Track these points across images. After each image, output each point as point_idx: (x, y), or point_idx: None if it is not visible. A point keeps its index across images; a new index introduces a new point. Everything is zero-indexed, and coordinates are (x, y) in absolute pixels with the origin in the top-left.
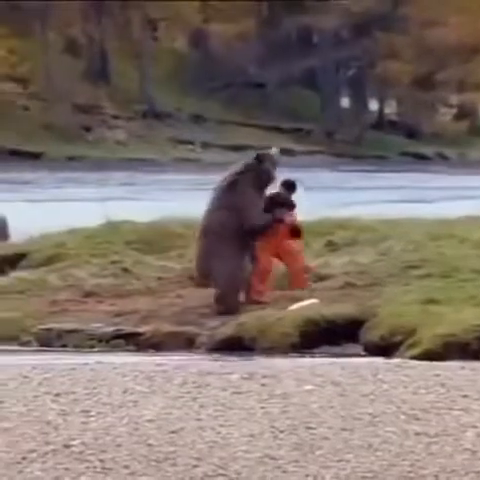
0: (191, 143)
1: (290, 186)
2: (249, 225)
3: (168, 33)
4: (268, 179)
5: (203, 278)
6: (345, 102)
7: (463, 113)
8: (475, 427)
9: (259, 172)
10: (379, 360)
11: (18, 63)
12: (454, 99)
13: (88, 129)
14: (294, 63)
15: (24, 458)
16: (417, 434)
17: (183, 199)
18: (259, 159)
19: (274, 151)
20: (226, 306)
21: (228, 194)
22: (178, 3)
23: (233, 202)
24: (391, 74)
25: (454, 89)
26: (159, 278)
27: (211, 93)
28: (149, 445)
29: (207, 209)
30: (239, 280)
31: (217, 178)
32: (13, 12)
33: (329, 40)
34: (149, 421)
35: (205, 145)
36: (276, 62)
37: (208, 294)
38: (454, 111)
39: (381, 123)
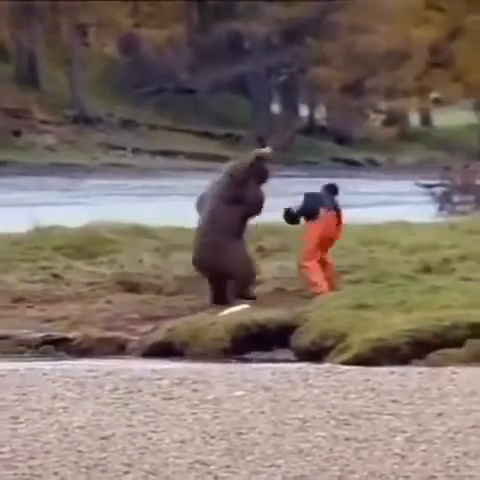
0: (122, 148)
1: (332, 189)
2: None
3: (98, 38)
4: (266, 176)
5: (205, 270)
6: (276, 108)
7: (392, 119)
8: (404, 432)
9: (259, 169)
10: (310, 365)
11: None
12: (383, 105)
13: (17, 134)
14: (225, 69)
15: None
16: (347, 439)
17: (113, 204)
18: (259, 157)
19: (269, 150)
20: (248, 293)
21: (233, 189)
22: (108, 8)
23: (238, 196)
24: (321, 80)
25: (383, 95)
26: (89, 284)
27: (142, 98)
28: (79, 451)
29: (209, 204)
30: (253, 270)
31: (148, 183)
32: None
33: (260, 46)
34: (79, 427)
35: (136, 150)
36: (207, 68)
37: (138, 300)
38: (383, 117)
39: (311, 129)
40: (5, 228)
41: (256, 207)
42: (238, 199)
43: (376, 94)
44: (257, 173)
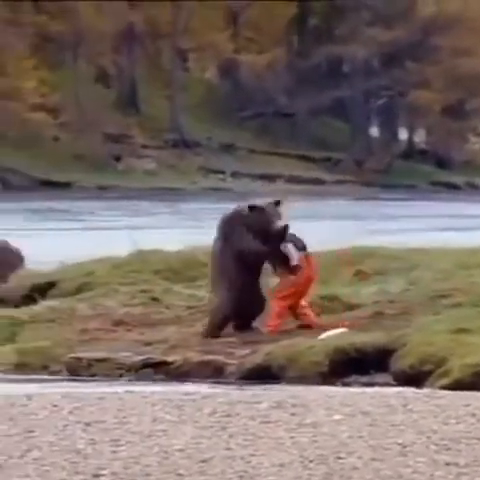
0: (221, 172)
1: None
2: (240, 250)
3: (198, 63)
4: (265, 226)
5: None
6: (374, 131)
7: None
8: None
9: (254, 220)
10: (409, 390)
11: (49, 93)
12: None
13: (118, 158)
14: (324, 93)
15: None
16: (447, 464)
17: (212, 229)
18: (252, 207)
19: (265, 203)
20: (206, 331)
21: (226, 227)
22: (209, 33)
23: (228, 241)
24: (421, 103)
25: None
26: (188, 307)
27: (241, 122)
28: (179, 475)
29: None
30: (224, 311)
31: None
32: (44, 43)
33: (359, 69)
34: (179, 450)
35: (235, 174)
36: (306, 92)
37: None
38: None
39: (411, 152)
40: (106, 252)
41: (244, 256)
42: (229, 244)
43: (477, 117)
44: (252, 223)
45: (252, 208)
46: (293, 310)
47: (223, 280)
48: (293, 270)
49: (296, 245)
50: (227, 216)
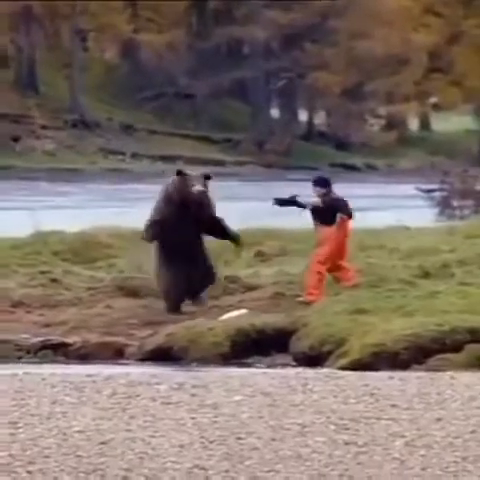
0: (121, 153)
1: (322, 183)
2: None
3: (98, 43)
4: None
5: None
6: (275, 113)
7: (391, 124)
8: (404, 437)
9: (170, 187)
10: (309, 370)
11: None
12: (382, 110)
13: (16, 139)
14: (224, 74)
15: None
16: (346, 444)
17: (112, 209)
18: (177, 173)
19: (196, 174)
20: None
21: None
22: (108, 13)
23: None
24: (321, 85)
25: (382, 100)
26: (88, 288)
27: (142, 103)
28: (78, 456)
29: None
30: (167, 287)
31: (148, 188)
32: None
33: (259, 51)
34: (78, 432)
35: (136, 155)
36: (206, 73)
37: (137, 305)
38: (383, 122)
39: (311, 134)
40: (5, 233)
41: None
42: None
43: (375, 99)
44: (173, 189)
45: (178, 173)
46: (333, 272)
47: (159, 257)
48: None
49: (339, 206)
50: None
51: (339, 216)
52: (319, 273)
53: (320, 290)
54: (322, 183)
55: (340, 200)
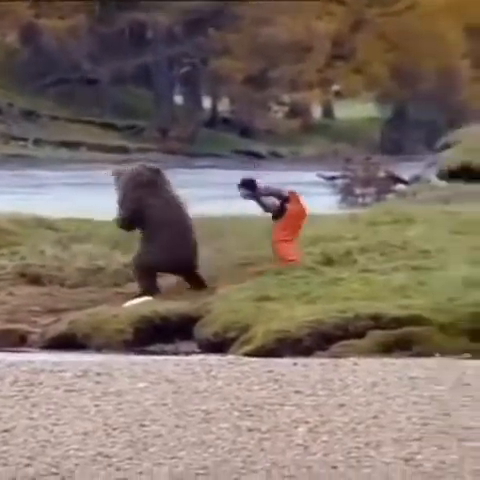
0: (23, 139)
1: (248, 184)
2: None
3: None
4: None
5: None
6: (179, 99)
7: (295, 111)
8: (307, 423)
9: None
10: (213, 357)
11: None
12: (286, 97)
13: None
14: (127, 59)
15: None
16: (250, 430)
17: (13, 195)
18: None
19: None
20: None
21: None
22: None
23: None
24: (224, 71)
25: (286, 87)
26: None
27: (44, 89)
28: None
29: None
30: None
31: (49, 174)
32: None
33: (162, 36)
34: None
35: (38, 141)
36: (109, 58)
37: (39, 292)
38: (286, 109)
39: (215, 121)
40: None
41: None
42: None
43: (279, 86)
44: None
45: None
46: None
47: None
48: (277, 215)
49: (271, 193)
50: None
51: (278, 202)
52: (285, 240)
53: (296, 251)
54: (249, 185)
55: (270, 189)
